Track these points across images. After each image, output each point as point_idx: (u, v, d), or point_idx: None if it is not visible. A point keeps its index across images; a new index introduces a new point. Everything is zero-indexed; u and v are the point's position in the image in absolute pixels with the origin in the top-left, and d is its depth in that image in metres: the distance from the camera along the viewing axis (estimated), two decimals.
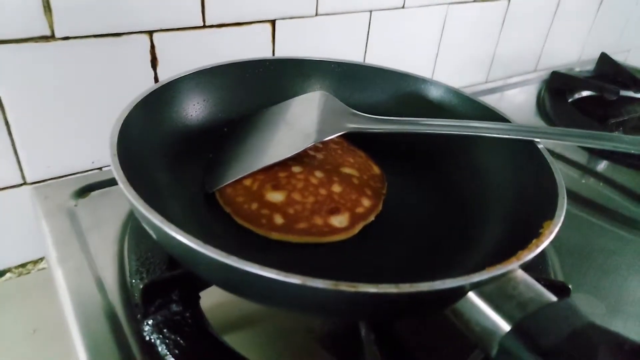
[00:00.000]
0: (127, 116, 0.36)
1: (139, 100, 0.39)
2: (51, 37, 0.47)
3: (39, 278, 0.57)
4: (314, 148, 0.47)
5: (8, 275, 0.55)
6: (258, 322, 0.38)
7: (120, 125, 0.35)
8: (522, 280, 0.27)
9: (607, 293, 0.42)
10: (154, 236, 0.29)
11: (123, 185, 0.29)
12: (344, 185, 0.43)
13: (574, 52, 1.10)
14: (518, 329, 0.25)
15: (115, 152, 0.31)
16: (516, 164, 0.41)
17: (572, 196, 0.55)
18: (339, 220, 0.39)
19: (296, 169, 0.43)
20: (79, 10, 0.47)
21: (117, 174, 0.30)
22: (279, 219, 0.39)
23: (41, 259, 0.57)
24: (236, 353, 0.32)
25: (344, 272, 0.26)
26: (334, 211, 0.40)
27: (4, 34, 0.44)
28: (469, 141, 0.45)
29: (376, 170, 0.48)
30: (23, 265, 0.56)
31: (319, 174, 0.43)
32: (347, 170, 0.45)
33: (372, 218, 0.41)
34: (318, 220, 0.39)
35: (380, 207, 0.43)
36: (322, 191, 0.41)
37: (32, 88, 0.48)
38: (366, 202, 0.42)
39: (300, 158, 0.45)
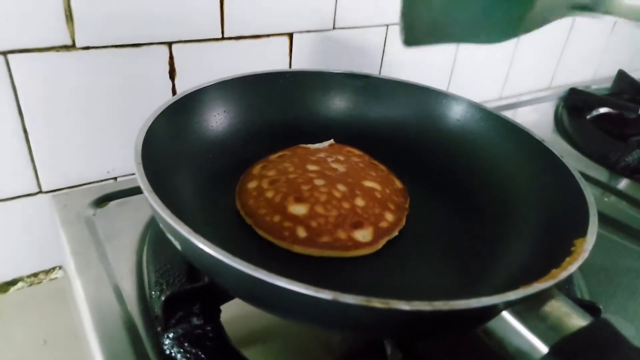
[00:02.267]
0: (150, 125, 0.36)
1: (162, 109, 0.39)
2: (72, 47, 0.47)
3: (51, 288, 0.57)
4: (336, 160, 0.47)
5: (20, 284, 0.55)
6: (275, 338, 0.37)
7: (144, 134, 0.35)
8: (556, 299, 0.27)
9: (636, 314, 0.41)
10: (179, 247, 0.29)
11: (148, 194, 0.28)
12: (367, 199, 0.42)
13: (589, 70, 1.10)
14: (556, 351, 0.24)
15: (140, 160, 0.31)
16: (543, 180, 0.40)
17: None
18: (363, 235, 0.39)
19: (319, 181, 0.43)
20: (100, 20, 0.48)
21: (142, 182, 0.29)
22: (301, 232, 0.38)
23: (53, 269, 0.57)
24: None
25: (367, 287, 0.25)
26: (358, 225, 0.40)
27: (26, 42, 0.45)
28: (495, 157, 0.45)
29: (398, 184, 0.47)
30: (35, 275, 0.56)
31: (341, 187, 0.43)
32: (369, 183, 0.45)
33: (396, 233, 0.41)
34: (341, 234, 0.39)
35: (403, 222, 0.42)
36: (346, 204, 0.41)
37: (51, 96, 0.48)
38: (390, 217, 0.42)
39: (322, 171, 0.45)
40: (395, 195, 0.45)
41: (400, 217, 0.43)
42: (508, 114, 0.82)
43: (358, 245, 0.38)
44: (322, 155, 0.48)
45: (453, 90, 0.83)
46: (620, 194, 0.60)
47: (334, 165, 0.46)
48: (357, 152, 0.50)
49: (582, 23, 0.97)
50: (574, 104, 0.84)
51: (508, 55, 0.90)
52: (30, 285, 0.56)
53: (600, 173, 0.64)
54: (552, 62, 1.00)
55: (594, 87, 0.91)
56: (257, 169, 0.46)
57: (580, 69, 1.08)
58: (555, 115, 0.82)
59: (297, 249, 0.38)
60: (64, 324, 0.52)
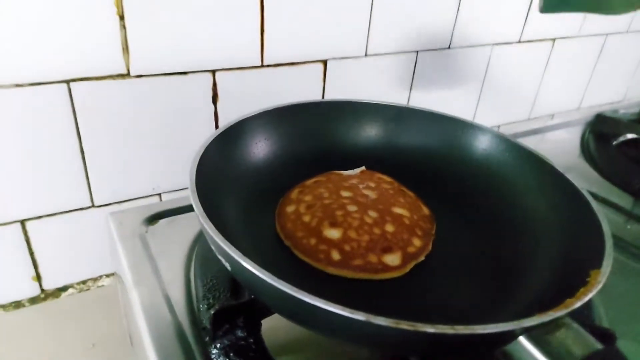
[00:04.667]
0: (202, 155, 0.39)
1: (211, 139, 0.42)
2: (127, 75, 0.51)
3: (99, 294, 0.60)
4: (368, 187, 0.49)
5: (70, 290, 0.59)
6: (306, 349, 0.40)
7: (197, 164, 0.38)
8: (570, 327, 0.29)
9: None
10: (229, 267, 0.32)
11: (203, 220, 0.32)
12: (396, 225, 0.44)
13: (620, 91, 1.09)
14: None
15: (194, 188, 0.34)
16: (564, 211, 0.42)
17: (617, 241, 0.54)
18: (392, 259, 0.41)
19: (351, 207, 0.46)
20: (153, 51, 0.51)
21: (197, 209, 0.33)
22: (336, 255, 0.41)
23: (100, 277, 0.60)
24: None
25: (394, 307, 0.27)
26: (387, 250, 0.42)
27: (87, 71, 0.49)
28: (518, 186, 0.47)
29: (425, 211, 0.49)
30: (84, 282, 0.60)
31: (372, 213, 0.45)
32: (398, 210, 0.47)
33: (422, 257, 0.43)
34: (372, 258, 0.41)
35: (430, 247, 0.44)
36: (377, 230, 0.43)
37: (106, 120, 0.52)
38: (417, 242, 0.44)
39: (354, 197, 0.47)
40: (422, 222, 0.47)
41: (427, 243, 0.44)
42: (536, 138, 0.84)
43: (387, 268, 0.41)
44: (354, 181, 0.50)
45: (482, 109, 0.85)
46: None
47: (365, 192, 0.48)
48: (387, 179, 0.52)
49: (613, 44, 0.97)
50: (601, 130, 0.84)
51: (537, 76, 0.91)
52: (80, 291, 0.59)
53: (624, 200, 0.64)
54: (582, 83, 1.00)
55: (621, 112, 0.91)
56: (294, 194, 0.48)
57: (610, 90, 1.07)
58: (582, 140, 0.83)
59: (331, 270, 0.40)
60: (112, 329, 0.55)
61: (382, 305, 0.29)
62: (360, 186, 0.49)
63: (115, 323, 0.56)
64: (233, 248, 0.29)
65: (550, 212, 0.43)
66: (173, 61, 0.53)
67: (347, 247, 0.41)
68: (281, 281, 0.28)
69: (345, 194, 0.48)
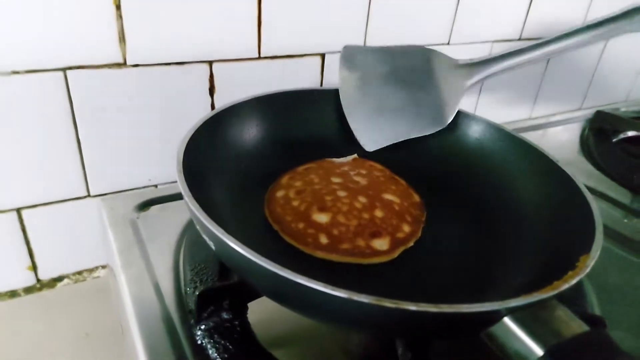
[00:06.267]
0: (190, 137, 0.40)
1: (201, 123, 0.42)
2: (123, 64, 0.51)
3: (94, 285, 0.60)
4: (359, 174, 0.49)
5: (65, 281, 0.59)
6: (296, 340, 0.40)
7: (185, 145, 0.38)
8: (557, 309, 0.29)
9: None
10: (213, 247, 0.32)
11: (188, 199, 0.32)
12: (386, 211, 0.44)
13: (622, 91, 1.09)
14: (550, 354, 0.26)
15: (181, 169, 0.35)
16: (555, 198, 0.42)
17: (614, 235, 0.55)
18: (380, 244, 0.41)
19: (341, 193, 0.46)
20: (149, 41, 0.51)
21: (183, 188, 0.33)
22: (324, 239, 0.41)
23: (96, 268, 0.60)
24: None
25: (381, 292, 0.27)
26: (376, 234, 0.42)
27: (84, 60, 0.49)
28: (510, 174, 0.47)
29: (416, 198, 0.49)
30: (79, 273, 0.59)
31: (362, 198, 0.45)
32: (388, 196, 0.47)
33: (411, 243, 0.43)
34: (361, 242, 0.41)
35: (419, 234, 0.44)
36: (365, 215, 0.43)
37: (102, 109, 0.52)
38: (406, 228, 0.44)
39: (345, 183, 0.47)
40: (412, 208, 0.46)
41: (417, 229, 0.44)
42: (537, 134, 0.83)
43: (376, 253, 0.40)
44: (345, 168, 0.50)
45: (482, 107, 0.85)
46: None
47: (356, 178, 0.48)
48: (378, 166, 0.52)
49: (615, 44, 0.97)
50: (600, 127, 0.84)
51: (538, 75, 0.91)
52: (76, 282, 0.59)
53: (623, 195, 0.64)
54: (584, 83, 0.99)
55: (622, 109, 0.91)
56: (285, 179, 0.49)
57: (612, 90, 1.07)
58: (582, 137, 0.83)
59: (319, 254, 0.40)
60: (105, 319, 0.55)
61: (370, 289, 0.28)
62: (351, 173, 0.49)
63: (110, 314, 0.56)
64: (216, 225, 0.29)
65: (542, 198, 0.43)
66: (170, 51, 0.53)
67: (335, 231, 0.41)
68: (264, 258, 0.28)
69: (335, 180, 0.48)
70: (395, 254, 0.41)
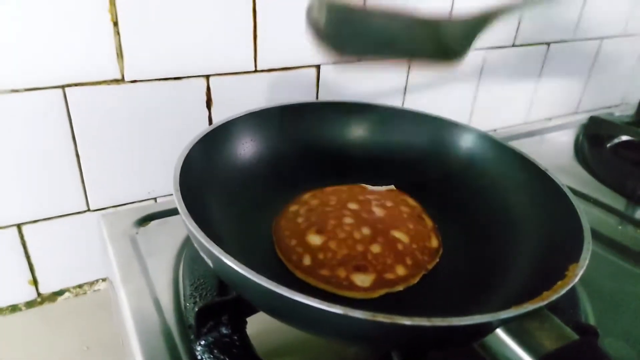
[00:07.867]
0: (187, 154, 0.40)
1: (197, 139, 0.43)
2: (121, 80, 0.52)
3: (94, 299, 0.60)
4: (381, 205, 0.48)
5: (66, 294, 0.59)
6: (294, 352, 0.40)
7: (182, 163, 0.39)
8: (548, 319, 0.29)
9: (638, 340, 0.42)
10: (211, 265, 0.32)
11: (185, 217, 0.32)
12: (385, 248, 0.42)
13: (616, 95, 1.09)
14: None
15: (178, 187, 0.35)
16: (545, 207, 0.42)
17: (608, 242, 0.55)
18: (362, 279, 0.39)
19: (348, 220, 0.44)
20: (147, 57, 0.52)
21: (180, 206, 0.33)
22: (307, 260, 0.40)
23: (97, 281, 0.61)
24: None
25: None
26: (361, 269, 0.40)
27: (82, 77, 0.49)
28: (501, 183, 0.47)
29: (433, 243, 0.46)
30: (80, 286, 0.60)
31: (366, 230, 0.43)
32: (397, 234, 0.44)
33: (400, 288, 0.40)
34: (341, 273, 0.39)
35: (415, 281, 0.41)
36: (359, 247, 0.41)
37: (101, 124, 0.52)
38: (400, 271, 0.41)
39: (359, 211, 0.46)
40: (420, 252, 0.43)
41: (413, 274, 0.41)
42: (531, 140, 0.84)
43: (353, 287, 0.38)
44: (370, 197, 0.49)
45: (477, 114, 0.85)
46: (636, 223, 0.60)
47: (374, 209, 0.46)
48: (411, 202, 0.50)
49: (610, 48, 0.97)
50: (594, 132, 0.84)
51: (533, 79, 0.91)
52: (76, 295, 0.60)
53: (617, 202, 0.64)
54: (579, 87, 1.00)
55: (617, 114, 0.91)
56: (307, 196, 0.48)
57: (607, 94, 1.07)
58: (576, 143, 0.83)
59: (299, 274, 0.40)
60: (106, 332, 0.56)
61: None
62: (374, 202, 0.48)
63: (110, 327, 0.56)
64: (213, 244, 0.30)
65: (532, 207, 0.43)
66: (167, 66, 0.54)
67: (320, 256, 0.40)
68: (260, 276, 0.28)
69: (352, 206, 0.46)
70: (376, 294, 0.39)
